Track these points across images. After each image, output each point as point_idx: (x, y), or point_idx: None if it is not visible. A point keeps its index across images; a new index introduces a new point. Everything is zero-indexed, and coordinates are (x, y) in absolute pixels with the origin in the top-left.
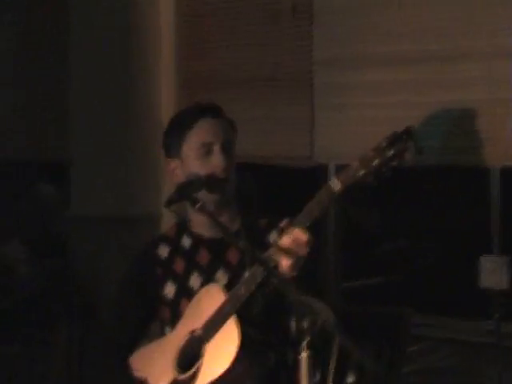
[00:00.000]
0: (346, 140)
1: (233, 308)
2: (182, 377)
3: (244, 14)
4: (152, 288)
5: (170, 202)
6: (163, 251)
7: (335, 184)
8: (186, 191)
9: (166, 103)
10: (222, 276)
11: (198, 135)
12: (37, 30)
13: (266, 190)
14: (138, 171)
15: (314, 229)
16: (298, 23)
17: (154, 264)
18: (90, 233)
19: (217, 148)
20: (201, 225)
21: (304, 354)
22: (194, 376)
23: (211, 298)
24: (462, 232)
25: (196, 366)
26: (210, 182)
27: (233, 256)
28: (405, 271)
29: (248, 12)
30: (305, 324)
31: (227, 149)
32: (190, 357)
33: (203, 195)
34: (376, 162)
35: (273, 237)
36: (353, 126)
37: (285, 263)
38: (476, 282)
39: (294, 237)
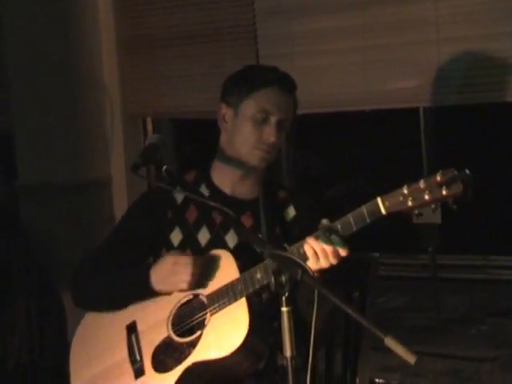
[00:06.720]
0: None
1: (245, 290)
2: (179, 340)
3: None
4: (159, 227)
5: (135, 167)
6: (179, 195)
7: (381, 208)
8: (150, 155)
9: (108, 65)
10: (231, 238)
11: (263, 99)
12: None
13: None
14: (84, 135)
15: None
16: None
17: (167, 205)
18: (40, 201)
19: (273, 120)
20: (223, 179)
21: (285, 309)
22: (191, 345)
23: (223, 267)
24: (396, 167)
25: (195, 336)
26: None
27: (247, 220)
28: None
29: None
30: (283, 278)
31: (282, 126)
32: (187, 319)
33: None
34: (427, 197)
35: (289, 212)
36: (301, 76)
37: (311, 264)
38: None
39: (332, 248)
